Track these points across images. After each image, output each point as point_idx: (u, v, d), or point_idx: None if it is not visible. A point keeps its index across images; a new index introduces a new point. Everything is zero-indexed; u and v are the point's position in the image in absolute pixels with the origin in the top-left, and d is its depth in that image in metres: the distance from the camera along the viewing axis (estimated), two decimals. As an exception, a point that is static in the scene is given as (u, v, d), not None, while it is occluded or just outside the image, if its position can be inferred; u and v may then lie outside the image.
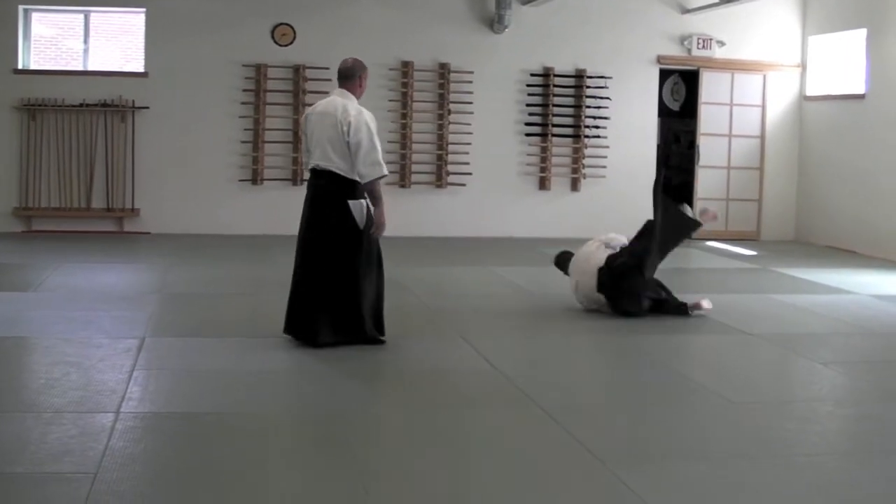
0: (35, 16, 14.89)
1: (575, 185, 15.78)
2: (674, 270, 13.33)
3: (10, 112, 14.38)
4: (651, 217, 9.68)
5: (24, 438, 5.49)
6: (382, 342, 7.91)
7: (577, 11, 15.52)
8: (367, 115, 7.73)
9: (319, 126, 7.76)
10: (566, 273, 9.93)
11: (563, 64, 15.66)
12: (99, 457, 5.20)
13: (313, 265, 7.79)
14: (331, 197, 7.72)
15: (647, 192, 16.32)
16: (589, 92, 15.66)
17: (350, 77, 7.92)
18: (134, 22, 14.99)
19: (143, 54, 14.83)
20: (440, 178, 15.32)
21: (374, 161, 7.60)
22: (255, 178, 14.91)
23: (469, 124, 15.33)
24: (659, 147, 16.61)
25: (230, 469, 5.21)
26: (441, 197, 15.38)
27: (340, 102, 7.78)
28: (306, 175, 8.06)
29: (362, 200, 7.72)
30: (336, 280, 7.73)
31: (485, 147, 15.37)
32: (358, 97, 7.92)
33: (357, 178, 7.67)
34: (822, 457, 5.71)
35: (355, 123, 7.61)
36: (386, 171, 7.72)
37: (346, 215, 7.68)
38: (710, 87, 16.17)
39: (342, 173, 7.67)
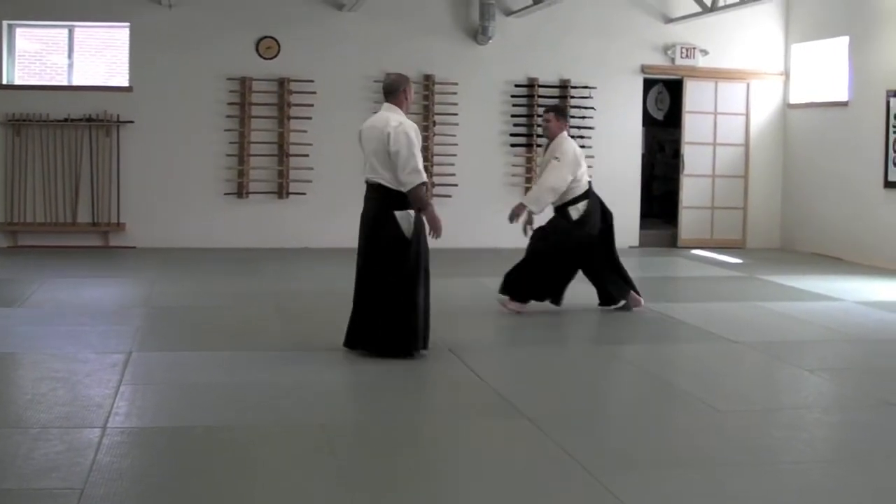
0: (19, 31, 14.87)
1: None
2: (660, 279, 13.40)
3: (-6, 127, 14.38)
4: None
5: (11, 454, 5.46)
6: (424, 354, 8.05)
7: (560, 22, 15.55)
8: (409, 127, 7.94)
9: (368, 140, 8.00)
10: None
11: (548, 74, 15.70)
12: (86, 472, 5.18)
13: (369, 277, 7.96)
14: (381, 209, 7.94)
15: (633, 201, 16.43)
16: (573, 102, 15.68)
17: (394, 92, 8.14)
18: (118, 36, 14.98)
19: (127, 69, 14.82)
20: (426, 189, 15.28)
21: (413, 169, 7.84)
22: (241, 192, 14.90)
23: (454, 135, 15.36)
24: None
25: (218, 484, 5.20)
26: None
27: (386, 116, 8.00)
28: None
29: (409, 211, 7.93)
30: (388, 291, 7.88)
31: (470, 158, 15.39)
32: (405, 110, 8.15)
33: (401, 189, 7.89)
34: (809, 464, 5.72)
35: (394, 134, 7.82)
36: (424, 178, 7.93)
37: (395, 226, 7.88)
38: (694, 96, 16.23)
39: (390, 185, 7.90)
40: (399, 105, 8.10)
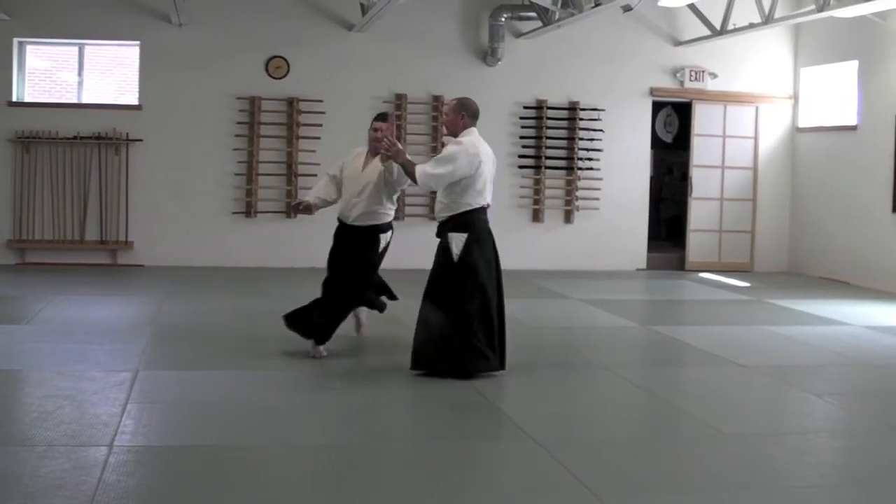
0: (29, 48, 14.93)
1: (568, 218, 15.81)
2: (667, 302, 13.37)
3: (4, 144, 14.40)
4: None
5: (17, 472, 5.46)
6: None
7: (569, 44, 15.58)
8: None
9: (489, 166, 8.54)
10: None
11: (557, 96, 15.73)
12: (92, 491, 5.17)
13: (497, 298, 8.47)
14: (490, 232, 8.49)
15: (641, 224, 16.39)
16: (582, 124, 15.72)
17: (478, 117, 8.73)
18: (128, 55, 15.04)
19: (137, 87, 14.87)
20: (433, 210, 15.29)
21: None
22: (249, 211, 14.92)
23: (463, 156, 15.34)
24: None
25: (223, 503, 5.19)
26: (434, 230, 15.32)
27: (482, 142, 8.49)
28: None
29: None
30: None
31: (478, 179, 15.37)
32: None
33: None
34: (815, 489, 5.70)
35: None
36: None
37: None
38: (703, 119, 16.24)
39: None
40: None
